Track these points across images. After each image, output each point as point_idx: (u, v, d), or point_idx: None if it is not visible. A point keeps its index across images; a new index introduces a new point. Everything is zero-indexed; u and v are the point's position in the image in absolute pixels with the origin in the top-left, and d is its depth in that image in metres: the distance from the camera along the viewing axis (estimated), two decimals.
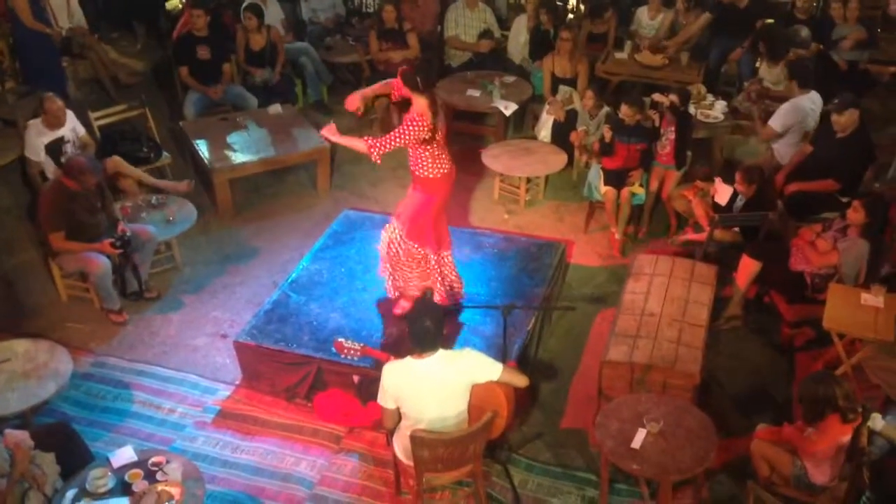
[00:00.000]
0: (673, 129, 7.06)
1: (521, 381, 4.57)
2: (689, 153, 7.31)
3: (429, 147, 5.23)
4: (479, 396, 4.47)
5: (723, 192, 6.56)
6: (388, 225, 5.65)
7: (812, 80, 7.16)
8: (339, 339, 4.91)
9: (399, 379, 4.36)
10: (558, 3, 10.39)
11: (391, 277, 5.78)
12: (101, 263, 6.13)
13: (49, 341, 5.52)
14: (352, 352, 4.83)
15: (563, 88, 8.34)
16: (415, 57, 9.14)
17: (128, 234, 6.20)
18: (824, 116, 7.00)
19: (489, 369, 4.43)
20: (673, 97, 7.04)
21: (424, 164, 5.30)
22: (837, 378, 4.36)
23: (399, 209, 5.59)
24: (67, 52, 9.05)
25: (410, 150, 5.28)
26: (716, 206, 6.55)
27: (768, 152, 7.33)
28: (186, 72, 8.59)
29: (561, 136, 8.03)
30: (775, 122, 7.08)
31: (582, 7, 10.71)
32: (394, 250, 5.61)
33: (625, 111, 6.84)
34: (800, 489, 4.51)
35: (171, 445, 5.26)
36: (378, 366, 4.58)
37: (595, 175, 7.24)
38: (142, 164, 7.44)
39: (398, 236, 5.55)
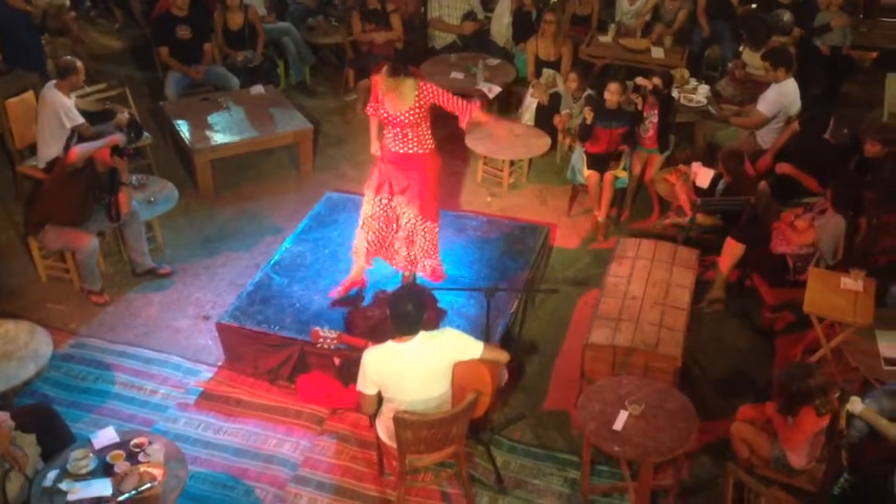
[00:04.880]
0: (656, 112, 7.07)
1: (502, 356, 4.60)
2: (672, 137, 7.33)
3: (429, 119, 5.36)
4: (463, 376, 4.48)
5: (703, 176, 6.59)
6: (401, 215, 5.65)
7: (794, 64, 7.18)
8: (316, 328, 4.89)
9: (380, 363, 4.36)
10: None
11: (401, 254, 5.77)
12: (88, 240, 6.09)
13: (29, 322, 5.45)
14: (328, 340, 4.81)
15: (546, 71, 8.34)
16: (397, 38, 9.10)
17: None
18: (812, 102, 7.04)
19: (470, 347, 4.44)
20: (656, 80, 7.06)
21: (426, 138, 5.40)
22: (813, 370, 4.39)
23: (410, 201, 5.55)
24: (45, 29, 8.94)
25: (411, 130, 5.31)
26: (698, 190, 6.58)
27: (751, 137, 7.37)
28: (167, 52, 8.50)
29: (544, 119, 8.03)
30: (763, 107, 7.11)
31: None
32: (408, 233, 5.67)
33: (612, 88, 6.84)
34: (778, 471, 4.57)
35: (154, 427, 5.25)
36: (357, 351, 4.59)
37: (578, 158, 7.24)
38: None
39: (419, 223, 5.58)
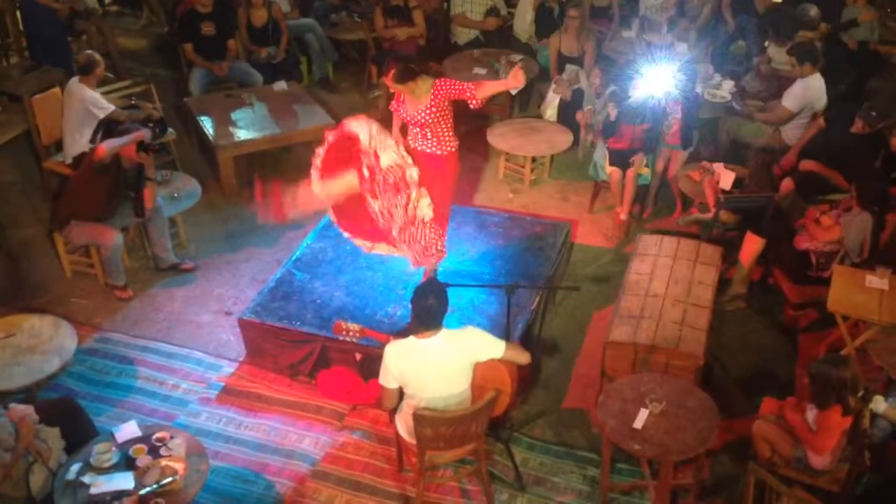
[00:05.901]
0: (679, 108, 7.02)
1: (523, 358, 4.58)
2: (695, 133, 7.27)
3: (451, 118, 5.29)
4: (483, 375, 4.48)
5: (726, 178, 6.54)
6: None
7: (820, 59, 7.11)
8: (339, 321, 4.91)
9: (402, 358, 4.37)
10: None
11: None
12: (113, 236, 6.15)
13: (53, 316, 5.52)
14: (351, 333, 4.82)
15: (569, 67, 8.30)
16: (419, 34, 9.10)
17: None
18: (838, 98, 6.94)
19: (492, 347, 4.44)
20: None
21: (447, 138, 5.32)
22: (848, 362, 4.35)
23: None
24: (71, 29, 9.03)
25: (430, 130, 5.25)
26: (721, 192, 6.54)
27: (776, 133, 7.30)
28: (191, 48, 8.55)
29: (567, 115, 8.01)
30: (789, 103, 7.04)
31: None
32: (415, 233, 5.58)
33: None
34: (800, 471, 4.53)
35: (175, 421, 5.29)
36: (379, 346, 4.59)
37: (601, 155, 7.21)
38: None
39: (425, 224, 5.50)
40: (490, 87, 5.35)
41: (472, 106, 5.28)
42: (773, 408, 4.73)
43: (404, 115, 5.34)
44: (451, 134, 5.36)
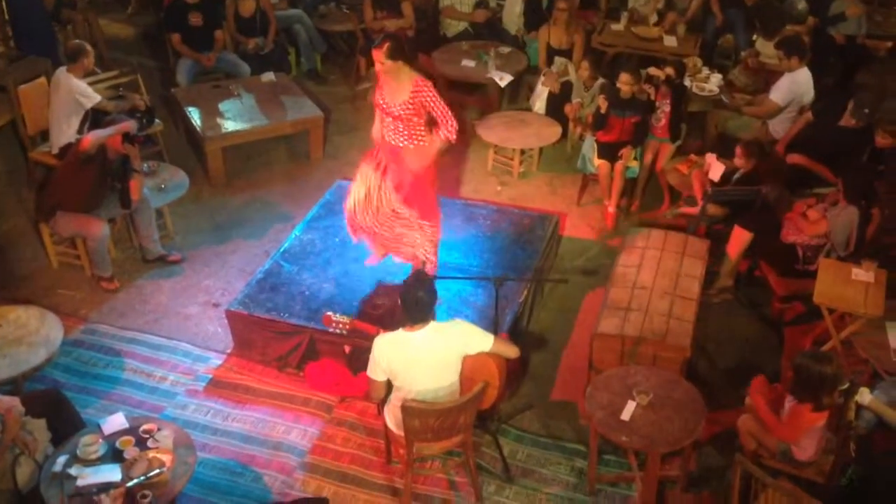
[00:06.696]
0: (668, 102, 7.04)
1: (512, 351, 4.58)
2: (683, 126, 7.29)
3: (424, 117, 5.24)
4: (471, 367, 4.48)
5: (715, 170, 6.56)
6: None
7: (808, 53, 7.13)
8: (328, 313, 4.90)
9: (390, 351, 4.37)
10: None
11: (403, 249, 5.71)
12: (99, 227, 6.12)
13: (40, 308, 5.49)
14: (340, 325, 4.82)
15: (558, 60, 8.31)
16: (409, 26, 9.07)
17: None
18: (825, 92, 6.96)
19: (481, 340, 4.44)
20: (669, 70, 7.02)
21: (420, 133, 5.27)
22: (831, 358, 4.37)
23: (404, 199, 5.45)
24: (57, 18, 8.96)
25: (403, 123, 5.21)
26: (709, 183, 6.55)
27: (763, 126, 7.32)
28: (178, 39, 8.50)
29: (556, 107, 8.01)
30: (776, 97, 7.07)
31: None
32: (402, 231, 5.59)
33: (624, 79, 6.78)
34: (785, 463, 4.56)
35: (163, 413, 5.28)
36: (368, 339, 4.59)
37: (589, 148, 7.22)
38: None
39: (415, 221, 5.51)
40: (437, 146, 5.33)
41: (442, 138, 5.26)
42: (762, 386, 4.72)
43: (381, 101, 5.26)
44: (423, 129, 5.31)
